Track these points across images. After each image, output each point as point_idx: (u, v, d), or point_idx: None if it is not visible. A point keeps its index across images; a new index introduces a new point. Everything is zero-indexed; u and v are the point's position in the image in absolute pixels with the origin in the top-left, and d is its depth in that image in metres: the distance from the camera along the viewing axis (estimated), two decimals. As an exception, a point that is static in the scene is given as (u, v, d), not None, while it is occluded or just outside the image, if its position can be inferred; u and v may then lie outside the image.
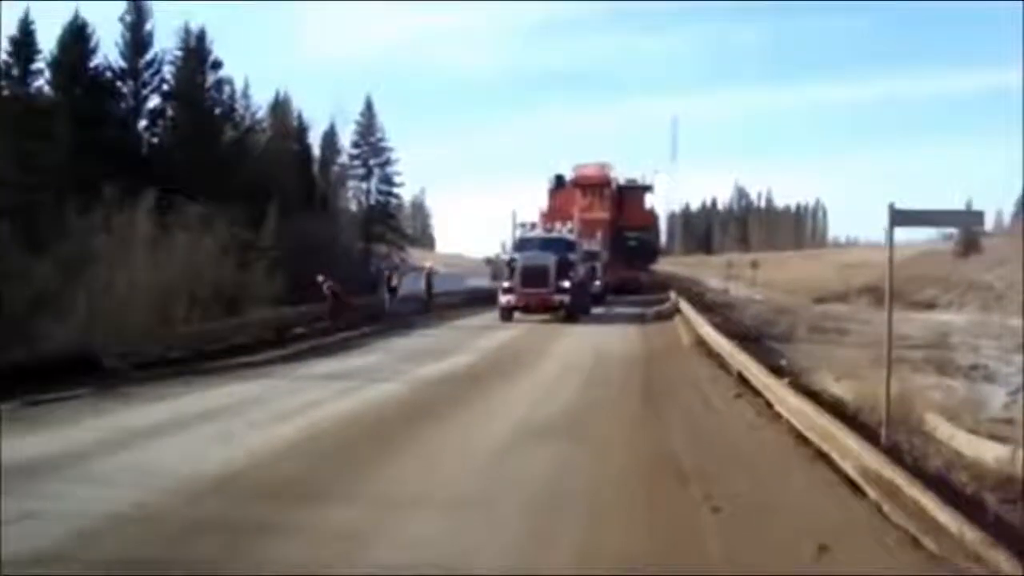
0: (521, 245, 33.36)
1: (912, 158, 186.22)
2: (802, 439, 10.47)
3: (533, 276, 30.40)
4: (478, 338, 24.65)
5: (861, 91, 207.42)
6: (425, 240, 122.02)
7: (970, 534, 6.48)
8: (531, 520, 7.61)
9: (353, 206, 63.28)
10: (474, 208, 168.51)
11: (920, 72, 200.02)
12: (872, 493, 7.99)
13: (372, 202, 62.34)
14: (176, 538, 6.91)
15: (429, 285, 37.24)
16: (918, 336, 32.44)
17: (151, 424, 11.46)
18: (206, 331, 21.37)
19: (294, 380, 16.07)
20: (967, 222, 10.91)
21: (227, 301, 26.29)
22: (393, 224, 65.35)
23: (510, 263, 31.66)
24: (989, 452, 9.86)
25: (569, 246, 33.43)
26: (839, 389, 14.02)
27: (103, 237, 25.31)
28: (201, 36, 42.85)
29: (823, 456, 9.56)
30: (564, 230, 36.07)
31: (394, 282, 33.64)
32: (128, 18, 40.68)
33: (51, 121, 35.09)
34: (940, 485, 8.21)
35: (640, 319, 32.21)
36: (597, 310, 35.57)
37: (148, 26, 41.25)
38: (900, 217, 10.10)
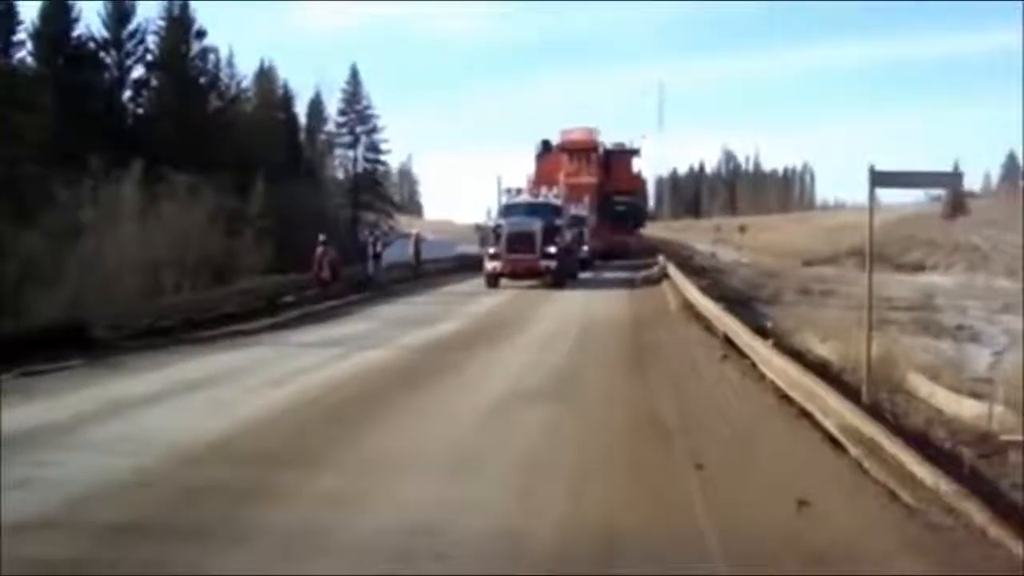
0: (507, 211, 33.00)
1: (899, 120, 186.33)
2: (786, 399, 10.65)
3: (519, 242, 30.23)
4: (466, 304, 24.71)
5: (847, 53, 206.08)
6: (413, 207, 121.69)
7: (944, 487, 6.67)
8: (518, 479, 7.77)
9: (340, 174, 63.32)
10: (462, 174, 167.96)
11: (907, 35, 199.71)
12: (853, 450, 8.16)
13: (359, 170, 62.32)
14: (167, 502, 7.03)
15: (417, 252, 37.21)
16: (905, 297, 32.73)
17: (142, 393, 11.53)
18: (196, 300, 21.44)
19: (283, 348, 16.17)
20: (947, 183, 11.08)
21: (216, 270, 26.33)
22: (380, 191, 65.35)
23: (496, 229, 31.36)
24: (968, 409, 10.06)
25: (555, 211, 33.18)
26: (824, 350, 14.22)
27: (90, 209, 25.30)
28: (184, 5, 42.63)
29: (806, 414, 9.74)
30: (550, 195, 35.87)
31: (377, 248, 32.95)
32: (111, -13, 40.42)
33: (35, 92, 34.94)
34: (919, 441, 8.41)
35: (628, 284, 32.24)
36: (585, 275, 35.55)
37: (131, -5, 41.03)
38: (880, 179, 10.25)
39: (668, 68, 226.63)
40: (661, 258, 38.32)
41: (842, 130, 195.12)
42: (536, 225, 30.57)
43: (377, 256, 32.13)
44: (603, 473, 8.06)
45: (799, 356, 12.82)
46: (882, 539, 6.25)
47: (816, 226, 77.00)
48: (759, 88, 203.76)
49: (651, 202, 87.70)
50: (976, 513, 6.20)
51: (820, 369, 11.89)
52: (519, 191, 36.35)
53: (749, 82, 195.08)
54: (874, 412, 9.13)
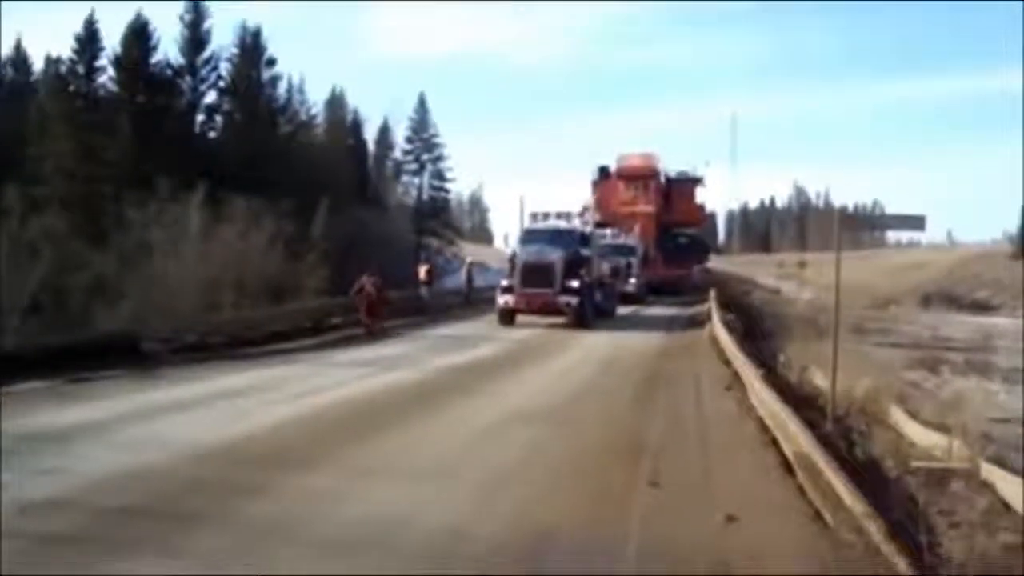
0: (526, 238, 29.18)
1: (975, 157, 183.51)
2: (764, 427, 11.32)
3: (535, 274, 26.77)
4: (508, 330, 25.49)
5: (921, 90, 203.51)
6: (482, 234, 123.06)
7: (859, 508, 7.34)
8: (485, 486, 8.67)
9: (408, 200, 64.64)
10: (533, 203, 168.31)
11: (985, 71, 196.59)
12: (800, 474, 8.84)
13: (424, 197, 63.64)
14: (167, 492, 8.05)
15: (469, 279, 38.18)
16: (964, 339, 32.81)
17: (172, 401, 12.67)
18: (246, 318, 22.52)
19: (317, 366, 17.20)
20: (909, 226, 11.69)
21: (274, 291, 27.40)
22: (445, 219, 66.57)
23: (511, 259, 28.53)
24: (937, 441, 10.63)
25: (582, 239, 29.15)
26: (824, 383, 14.73)
27: (157, 229, 26.69)
28: (257, 33, 44.51)
29: (775, 442, 10.41)
30: (578, 221, 31.77)
31: (423, 276, 33.09)
32: (187, 17, 42.41)
33: (113, 116, 36.89)
34: (866, 469, 9.08)
35: (671, 322, 31.33)
36: (626, 310, 34.04)
37: (206, 24, 43.03)
38: (847, 221, 11.04)
39: (741, 102, 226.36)
40: (712, 293, 37.49)
41: (915, 168, 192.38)
42: (555, 255, 27.15)
43: (428, 283, 32.61)
44: (566, 483, 8.89)
45: (791, 389, 13.46)
46: (788, 549, 6.97)
47: (881, 264, 76.24)
48: (831, 124, 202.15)
49: (720, 235, 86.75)
50: (875, 531, 6.87)
51: (805, 401, 12.53)
52: (546, 216, 31.62)
53: (821, 118, 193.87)
54: (828, 441, 9.77)
